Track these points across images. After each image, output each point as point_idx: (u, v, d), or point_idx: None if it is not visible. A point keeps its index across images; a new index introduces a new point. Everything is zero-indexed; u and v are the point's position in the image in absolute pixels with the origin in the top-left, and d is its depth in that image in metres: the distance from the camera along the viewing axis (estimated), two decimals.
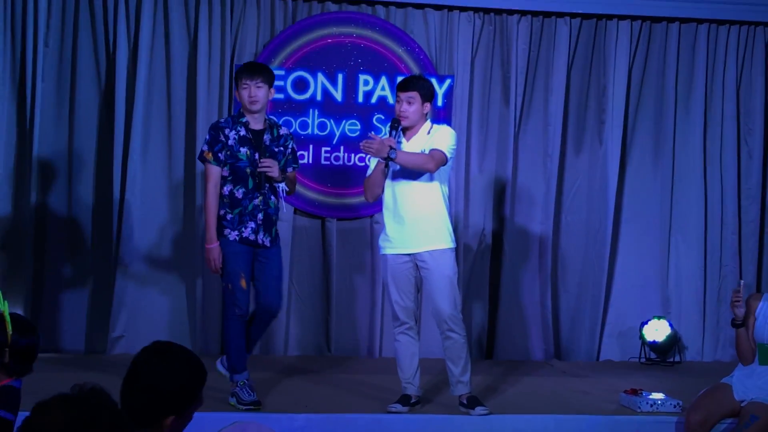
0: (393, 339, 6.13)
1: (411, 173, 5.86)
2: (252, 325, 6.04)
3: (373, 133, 6.52)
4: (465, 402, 5.93)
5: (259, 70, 6.00)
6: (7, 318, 3.60)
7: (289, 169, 6.09)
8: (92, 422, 2.29)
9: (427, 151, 5.83)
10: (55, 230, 7.41)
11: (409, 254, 5.92)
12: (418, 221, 5.88)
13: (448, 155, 5.86)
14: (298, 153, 6.48)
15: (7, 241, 7.28)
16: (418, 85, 5.95)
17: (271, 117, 6.22)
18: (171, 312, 7.48)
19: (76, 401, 2.32)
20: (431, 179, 5.87)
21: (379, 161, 5.86)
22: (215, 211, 5.92)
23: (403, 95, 5.90)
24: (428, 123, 6.01)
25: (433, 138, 5.90)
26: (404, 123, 5.90)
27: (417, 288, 6.04)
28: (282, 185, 6.01)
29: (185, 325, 7.47)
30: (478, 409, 5.88)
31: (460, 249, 7.44)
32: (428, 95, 5.94)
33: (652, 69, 8.10)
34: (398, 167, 5.84)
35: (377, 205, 7.23)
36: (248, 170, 5.89)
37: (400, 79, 6.36)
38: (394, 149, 5.69)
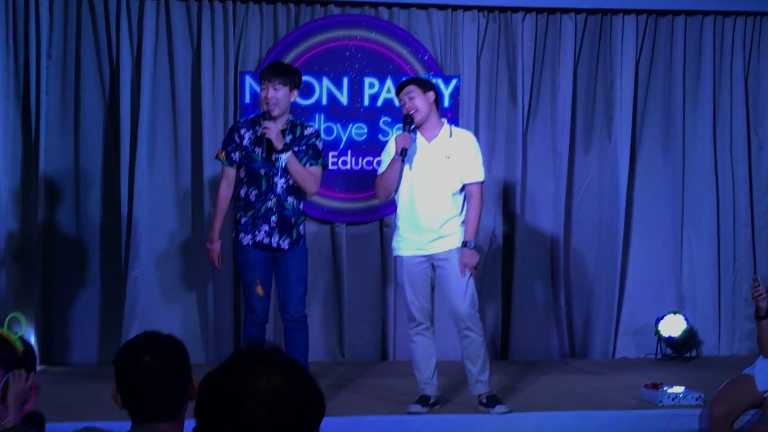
0: (408, 341, 6.07)
1: (432, 178, 5.82)
2: (289, 344, 5.87)
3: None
4: (485, 401, 5.87)
5: (277, 71, 5.87)
6: (14, 337, 3.47)
7: (307, 165, 5.93)
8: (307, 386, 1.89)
9: (450, 157, 5.82)
10: (63, 243, 7.36)
11: (426, 255, 5.86)
12: (436, 222, 5.83)
13: (483, 177, 5.96)
14: None
15: (16, 255, 7.21)
16: (410, 81, 6.00)
17: (297, 117, 6.09)
18: (182, 321, 7.40)
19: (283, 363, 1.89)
20: (453, 184, 5.83)
21: (394, 158, 5.80)
22: (222, 211, 5.92)
23: (402, 94, 5.89)
24: (446, 125, 5.98)
25: (461, 150, 5.85)
26: (417, 117, 5.84)
27: (432, 288, 5.98)
28: (283, 157, 5.75)
29: (197, 334, 7.38)
30: (499, 408, 5.82)
31: None
32: (425, 85, 5.94)
33: (659, 62, 8.03)
34: (414, 163, 5.80)
35: (386, 208, 7.19)
36: (262, 171, 5.82)
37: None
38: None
